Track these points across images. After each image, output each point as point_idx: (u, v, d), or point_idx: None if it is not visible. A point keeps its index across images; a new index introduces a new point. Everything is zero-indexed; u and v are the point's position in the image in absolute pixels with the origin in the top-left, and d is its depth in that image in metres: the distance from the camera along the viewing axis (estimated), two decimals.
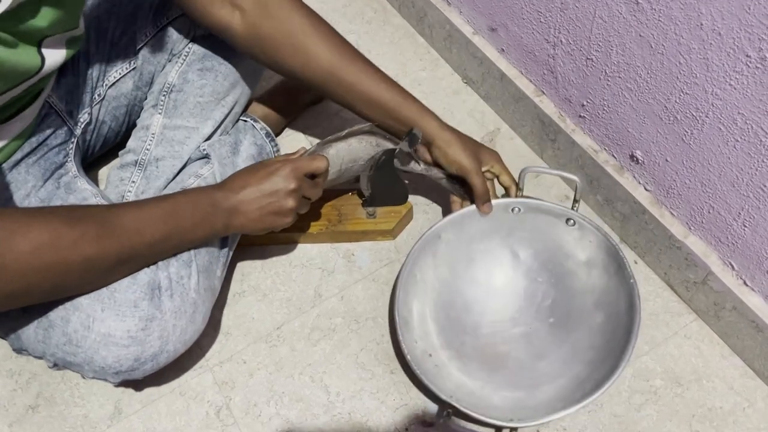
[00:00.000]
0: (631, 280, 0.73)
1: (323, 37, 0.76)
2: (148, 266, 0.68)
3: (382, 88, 0.77)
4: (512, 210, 0.80)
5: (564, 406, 0.68)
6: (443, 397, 0.69)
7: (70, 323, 0.65)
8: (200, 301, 0.71)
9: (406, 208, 0.90)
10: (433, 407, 0.78)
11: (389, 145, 0.81)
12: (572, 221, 0.78)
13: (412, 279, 0.77)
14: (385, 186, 0.86)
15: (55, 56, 0.65)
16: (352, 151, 0.79)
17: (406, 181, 0.87)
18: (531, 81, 0.92)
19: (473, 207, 0.79)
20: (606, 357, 0.72)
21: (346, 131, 0.77)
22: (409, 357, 0.71)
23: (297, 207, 0.73)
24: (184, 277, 0.70)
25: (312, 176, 0.74)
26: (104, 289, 0.66)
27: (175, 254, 0.70)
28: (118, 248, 0.62)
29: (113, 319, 0.65)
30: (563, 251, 0.81)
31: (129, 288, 0.66)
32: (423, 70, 1.08)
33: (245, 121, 0.90)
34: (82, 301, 0.65)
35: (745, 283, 0.74)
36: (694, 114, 0.68)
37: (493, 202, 0.79)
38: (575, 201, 0.79)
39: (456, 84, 1.06)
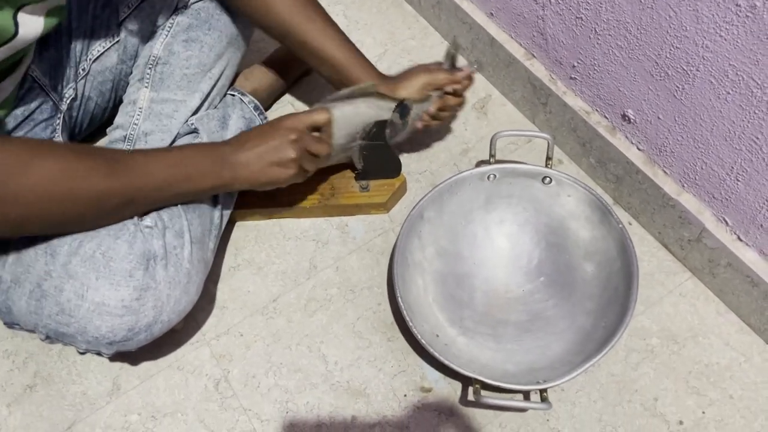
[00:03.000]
0: (620, 225, 0.74)
1: None
2: (151, 210, 0.70)
3: (333, 46, 0.79)
4: (488, 177, 0.81)
5: (583, 359, 0.69)
6: (468, 373, 0.69)
7: (63, 292, 0.65)
8: (194, 271, 0.71)
9: (399, 181, 0.89)
10: (431, 372, 0.78)
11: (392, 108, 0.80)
12: (548, 179, 0.79)
13: (404, 263, 0.78)
14: (378, 159, 0.85)
15: (31, 25, 0.64)
16: (360, 113, 0.79)
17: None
18: (521, 44, 0.91)
19: (449, 181, 0.80)
20: (608, 304, 0.74)
21: (347, 90, 0.77)
22: (424, 342, 0.71)
23: (297, 157, 0.73)
24: (177, 247, 0.70)
25: (316, 130, 0.76)
26: (100, 258, 0.65)
27: (182, 202, 0.72)
28: (126, 185, 0.65)
29: (107, 288, 0.65)
30: (543, 210, 0.82)
31: (125, 258, 0.66)
32: (412, 39, 1.07)
33: (233, 95, 0.89)
34: (77, 269, 0.65)
35: (739, 238, 0.74)
36: (685, 68, 0.67)
37: (467, 172, 0.80)
38: (548, 158, 0.80)
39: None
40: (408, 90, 0.81)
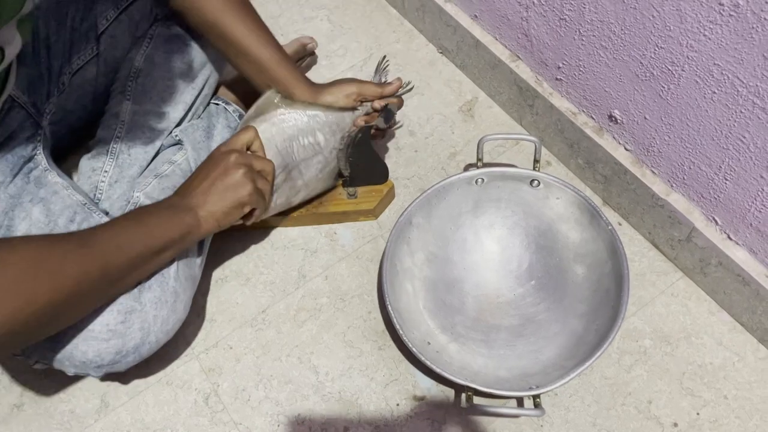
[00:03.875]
0: (609, 227, 0.73)
1: None
2: (130, 289, 0.66)
3: (261, 47, 0.77)
4: (475, 182, 0.80)
5: (576, 364, 0.68)
6: (461, 381, 0.68)
7: None
8: (181, 290, 0.70)
9: (387, 187, 0.88)
10: (423, 380, 0.77)
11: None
12: (537, 181, 0.78)
13: (394, 270, 0.77)
14: (364, 165, 0.84)
15: (11, 41, 0.63)
16: (286, 124, 0.77)
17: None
18: (506, 46, 0.91)
19: (437, 186, 0.79)
20: (599, 306, 0.73)
21: (254, 107, 0.76)
22: (415, 350, 0.70)
23: (253, 185, 0.69)
24: (163, 267, 0.69)
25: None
26: None
27: (156, 272, 0.68)
28: (102, 265, 0.60)
29: (91, 314, 0.64)
30: (532, 213, 0.81)
31: None
32: (397, 42, 1.06)
33: (217, 104, 0.88)
34: None
35: (729, 237, 0.73)
36: (670, 68, 0.67)
37: (455, 177, 0.79)
38: (536, 161, 0.79)
39: (431, 54, 1.04)
40: (332, 97, 0.78)
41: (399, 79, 0.82)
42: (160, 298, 0.68)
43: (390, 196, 0.90)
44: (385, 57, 0.85)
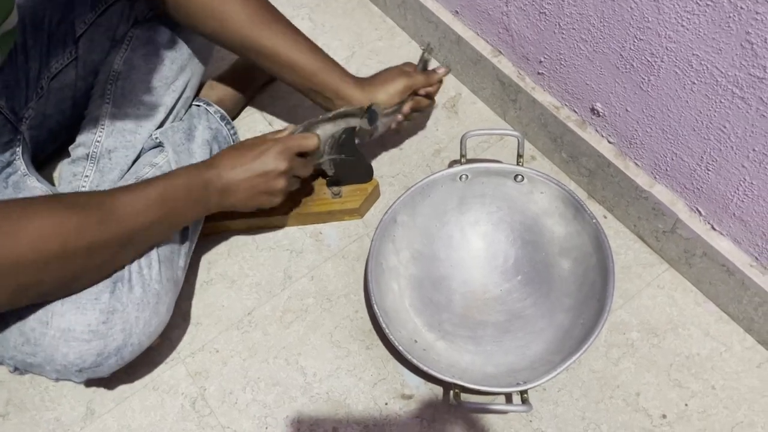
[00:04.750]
0: (593, 220, 0.73)
1: (242, 3, 0.74)
2: (142, 254, 0.68)
3: (299, 53, 0.77)
4: (460, 178, 0.80)
5: (563, 358, 0.68)
6: (447, 378, 0.68)
7: (26, 321, 0.63)
8: (163, 292, 0.69)
9: (371, 186, 0.88)
10: (411, 378, 0.77)
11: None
12: (520, 176, 0.78)
13: (379, 269, 0.76)
14: (349, 164, 0.84)
15: None
16: (339, 127, 0.79)
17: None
18: (487, 41, 0.90)
19: (421, 183, 0.79)
20: (585, 300, 0.73)
21: (333, 113, 0.77)
22: (401, 348, 0.70)
23: (287, 187, 0.73)
24: (144, 267, 0.68)
25: (302, 154, 0.75)
26: None
27: (166, 237, 0.70)
28: (119, 232, 0.62)
29: (73, 313, 0.63)
30: (517, 208, 0.81)
31: None
32: (379, 40, 1.06)
33: (198, 105, 0.87)
34: None
35: (713, 227, 0.73)
36: (650, 60, 0.67)
37: (438, 174, 0.79)
38: (520, 156, 0.79)
39: (414, 51, 1.04)
40: (386, 95, 0.79)
41: (441, 66, 0.83)
42: (142, 299, 0.67)
43: (375, 194, 0.89)
44: (429, 44, 0.85)
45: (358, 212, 0.88)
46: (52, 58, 0.81)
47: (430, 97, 0.84)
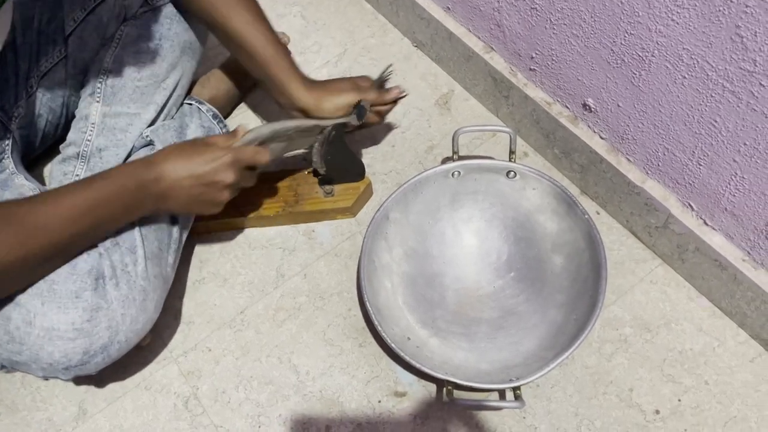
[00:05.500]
0: (585, 216, 0.73)
1: None
2: (85, 250, 0.66)
3: (258, 41, 0.75)
4: (452, 175, 0.80)
5: (556, 354, 0.68)
6: (440, 375, 0.68)
7: (11, 321, 0.63)
8: (150, 288, 0.69)
9: (364, 184, 0.87)
10: (404, 375, 0.76)
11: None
12: (513, 173, 0.78)
13: (371, 267, 0.76)
14: (340, 163, 0.84)
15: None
16: (293, 144, 0.78)
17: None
18: (479, 38, 0.90)
19: (414, 180, 0.78)
20: (578, 296, 0.73)
21: (295, 124, 0.75)
22: (394, 346, 0.69)
23: (229, 198, 0.71)
24: (129, 264, 0.68)
25: (250, 167, 0.73)
26: (41, 283, 0.63)
27: (99, 241, 0.68)
28: (44, 246, 0.61)
29: (55, 312, 0.63)
30: (509, 204, 0.81)
31: (68, 278, 0.64)
32: (372, 37, 1.06)
33: (190, 104, 0.87)
34: (20, 297, 0.63)
35: (705, 222, 0.73)
36: (641, 54, 0.67)
37: (431, 171, 0.79)
38: (512, 152, 0.79)
39: (406, 48, 1.04)
40: (332, 105, 0.77)
41: (398, 87, 0.81)
42: (127, 296, 0.66)
43: (367, 193, 0.89)
44: (390, 66, 0.83)
45: (351, 211, 0.87)
46: (42, 56, 0.81)
47: (379, 115, 0.82)
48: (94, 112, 0.80)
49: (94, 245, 0.67)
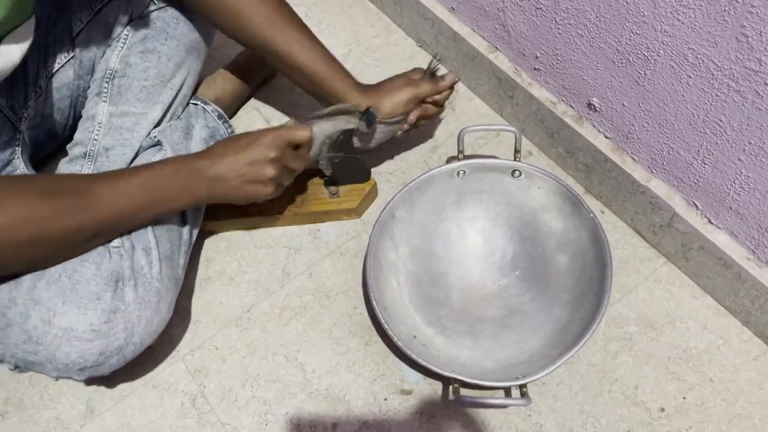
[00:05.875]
0: (590, 215, 0.73)
1: (259, 2, 0.75)
2: (126, 233, 0.69)
3: (310, 59, 0.77)
4: (457, 174, 0.80)
5: (561, 352, 0.68)
6: (446, 373, 0.68)
7: (29, 319, 0.63)
8: (164, 290, 0.70)
9: (369, 186, 0.87)
10: (410, 374, 0.77)
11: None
12: (518, 172, 0.78)
13: (378, 265, 0.76)
14: (346, 165, 0.84)
15: (7, 55, 0.63)
16: (337, 126, 0.79)
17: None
18: (484, 38, 0.90)
19: (419, 180, 0.79)
20: (582, 295, 0.73)
21: (330, 108, 0.76)
22: (400, 344, 0.70)
23: (277, 176, 0.72)
24: (145, 266, 0.68)
25: (295, 147, 0.74)
26: (66, 281, 0.64)
27: (155, 222, 0.70)
28: (95, 220, 0.63)
29: (75, 313, 0.63)
30: (514, 204, 0.81)
31: (92, 280, 0.64)
32: (376, 37, 1.06)
33: (195, 104, 0.87)
34: (42, 294, 0.63)
35: (709, 221, 0.74)
36: (646, 54, 0.67)
37: (436, 170, 0.80)
38: (517, 152, 0.79)
39: (410, 48, 1.04)
40: (391, 104, 0.78)
41: (452, 72, 0.81)
42: (144, 298, 0.67)
43: (373, 194, 0.89)
44: (437, 54, 0.83)
45: (356, 212, 0.88)
46: (50, 57, 0.81)
47: (438, 104, 0.83)
48: (101, 111, 0.80)
49: (114, 246, 0.68)
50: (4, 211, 0.56)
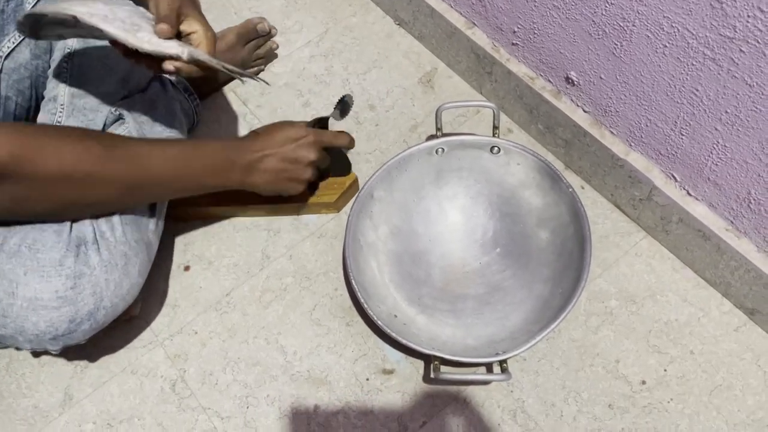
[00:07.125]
0: (570, 190, 0.73)
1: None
2: (152, 202, 0.72)
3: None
4: (436, 152, 0.79)
5: (541, 327, 0.68)
6: (427, 351, 0.68)
7: None
8: (132, 253, 0.68)
9: (350, 180, 0.86)
10: (392, 353, 0.76)
11: None
12: (497, 148, 0.78)
13: (357, 245, 0.76)
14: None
15: None
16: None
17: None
18: (461, 13, 0.89)
19: (397, 158, 0.78)
20: (564, 269, 0.73)
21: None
22: (380, 323, 0.70)
23: (312, 178, 0.77)
24: (107, 230, 0.68)
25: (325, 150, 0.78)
26: (26, 251, 0.63)
27: (184, 196, 0.72)
28: (131, 173, 0.64)
29: (38, 281, 0.62)
30: (494, 180, 0.81)
31: (53, 247, 0.63)
32: (353, 16, 1.04)
33: (160, 76, 0.86)
34: (3, 267, 0.62)
35: (688, 193, 0.73)
36: (621, 24, 0.66)
37: (414, 148, 0.79)
38: (495, 128, 0.79)
39: (389, 27, 1.03)
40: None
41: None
42: (109, 261, 0.66)
43: (353, 189, 0.86)
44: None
45: (335, 206, 0.86)
46: (4, 36, 0.79)
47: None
48: (62, 93, 0.78)
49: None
50: (67, 147, 0.59)
